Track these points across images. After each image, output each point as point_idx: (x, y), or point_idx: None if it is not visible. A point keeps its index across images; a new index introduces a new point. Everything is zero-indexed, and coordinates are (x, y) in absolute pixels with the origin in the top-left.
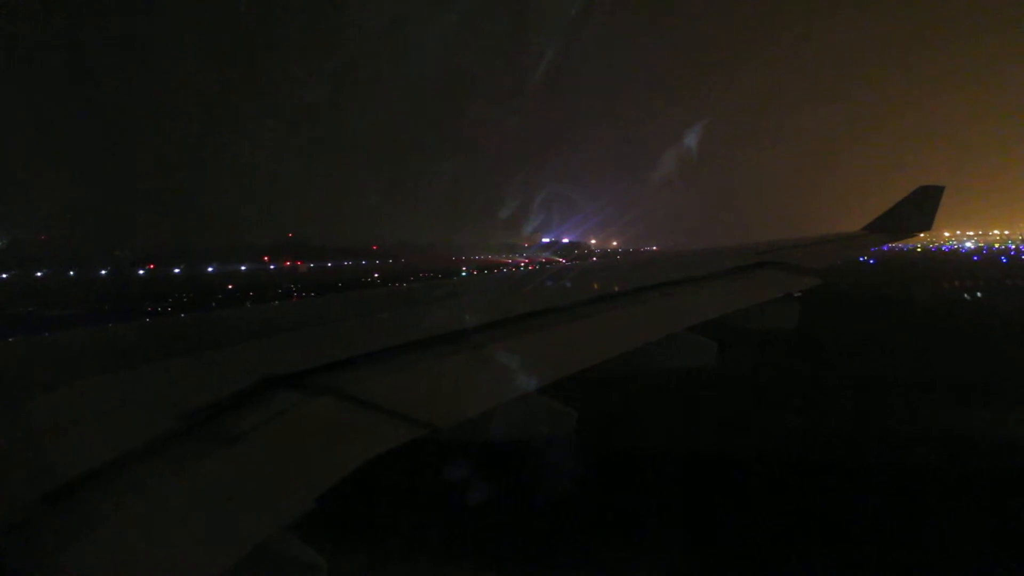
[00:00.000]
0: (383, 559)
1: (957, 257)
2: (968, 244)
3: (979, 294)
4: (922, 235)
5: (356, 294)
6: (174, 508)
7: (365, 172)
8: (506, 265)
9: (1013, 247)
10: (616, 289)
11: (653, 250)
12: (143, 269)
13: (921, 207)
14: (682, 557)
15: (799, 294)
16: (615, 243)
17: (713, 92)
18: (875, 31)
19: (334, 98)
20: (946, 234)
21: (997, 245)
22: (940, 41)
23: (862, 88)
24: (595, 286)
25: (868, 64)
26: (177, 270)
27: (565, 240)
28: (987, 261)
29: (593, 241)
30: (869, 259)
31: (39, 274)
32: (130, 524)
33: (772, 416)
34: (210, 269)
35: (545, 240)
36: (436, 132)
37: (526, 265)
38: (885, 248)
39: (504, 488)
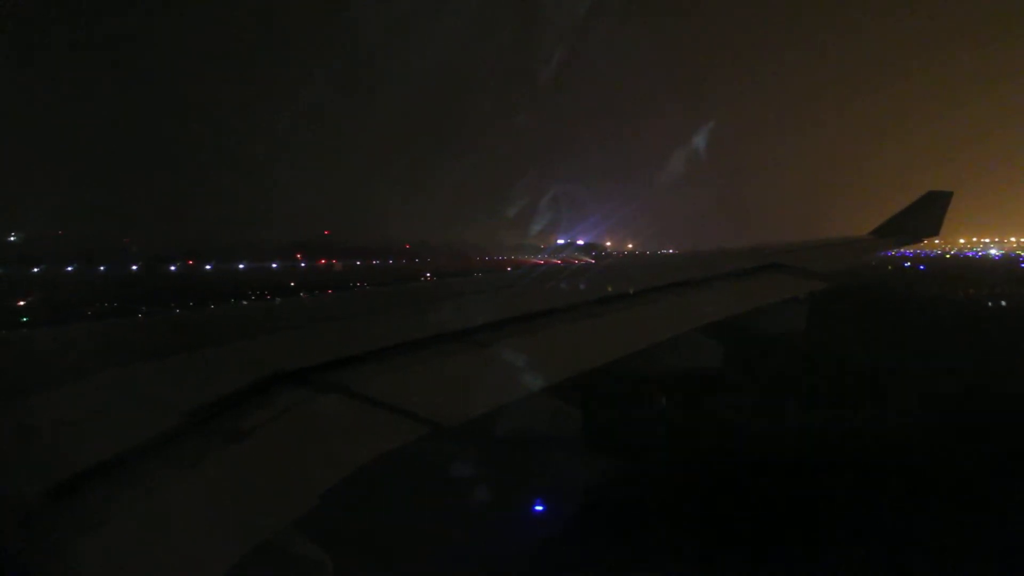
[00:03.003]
0: (388, 557)
1: (995, 264)
2: (992, 251)
3: None
4: (937, 241)
5: (364, 291)
6: (181, 503)
7: (392, 172)
8: (536, 265)
9: None
10: (623, 290)
11: (669, 252)
12: (174, 265)
13: (929, 212)
14: (684, 556)
15: (804, 297)
16: (631, 245)
17: (732, 94)
18: (893, 36)
19: (365, 100)
20: (961, 241)
21: (1020, 252)
22: (953, 50)
23: (877, 96)
24: (602, 287)
25: (885, 71)
26: (208, 266)
27: (580, 241)
28: None
29: (608, 243)
30: (919, 265)
31: (69, 269)
32: (137, 519)
33: (774, 418)
34: (241, 266)
35: (560, 241)
36: (455, 136)
37: (563, 264)
38: (909, 253)
39: (508, 486)
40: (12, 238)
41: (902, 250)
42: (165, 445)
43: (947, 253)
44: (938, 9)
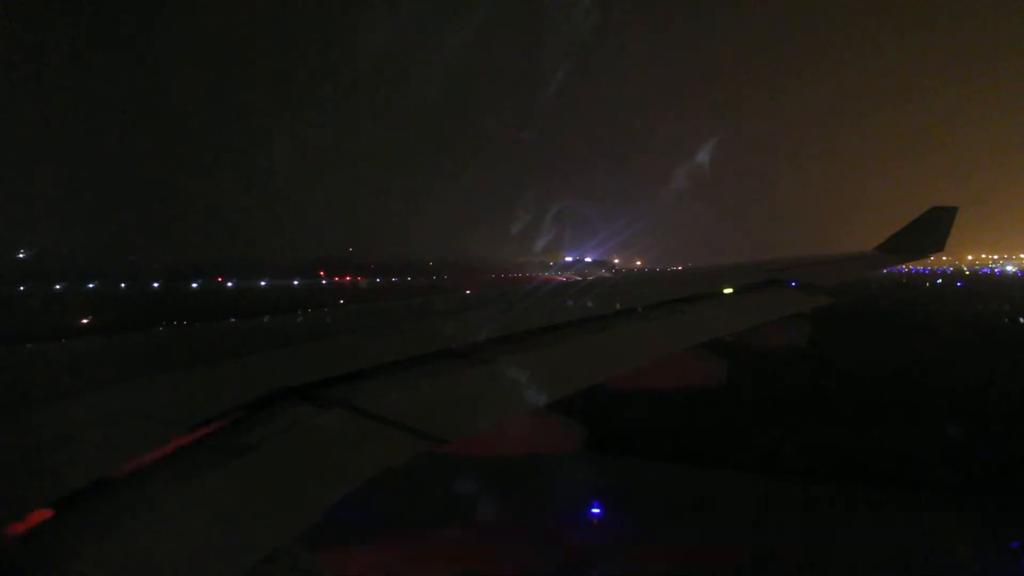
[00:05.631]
0: (388, 571)
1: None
2: (1010, 267)
3: None
4: (944, 257)
5: (368, 306)
6: (184, 517)
7: (412, 190)
8: (553, 280)
9: None
10: (628, 305)
11: (678, 269)
12: (197, 281)
13: (934, 228)
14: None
15: (808, 312)
16: (639, 262)
17: (744, 110)
18: (907, 56)
19: (388, 118)
20: (969, 257)
21: None
22: (964, 71)
23: (884, 118)
24: (607, 302)
25: (897, 90)
26: (231, 283)
27: (588, 259)
28: None
29: (617, 260)
30: (956, 282)
31: (91, 286)
32: (140, 532)
33: (777, 434)
34: (263, 283)
35: (568, 259)
36: (473, 156)
37: (580, 279)
38: (926, 271)
39: (509, 502)
40: (20, 255)
41: (915, 266)
42: (170, 458)
43: (965, 269)
44: (953, 30)
